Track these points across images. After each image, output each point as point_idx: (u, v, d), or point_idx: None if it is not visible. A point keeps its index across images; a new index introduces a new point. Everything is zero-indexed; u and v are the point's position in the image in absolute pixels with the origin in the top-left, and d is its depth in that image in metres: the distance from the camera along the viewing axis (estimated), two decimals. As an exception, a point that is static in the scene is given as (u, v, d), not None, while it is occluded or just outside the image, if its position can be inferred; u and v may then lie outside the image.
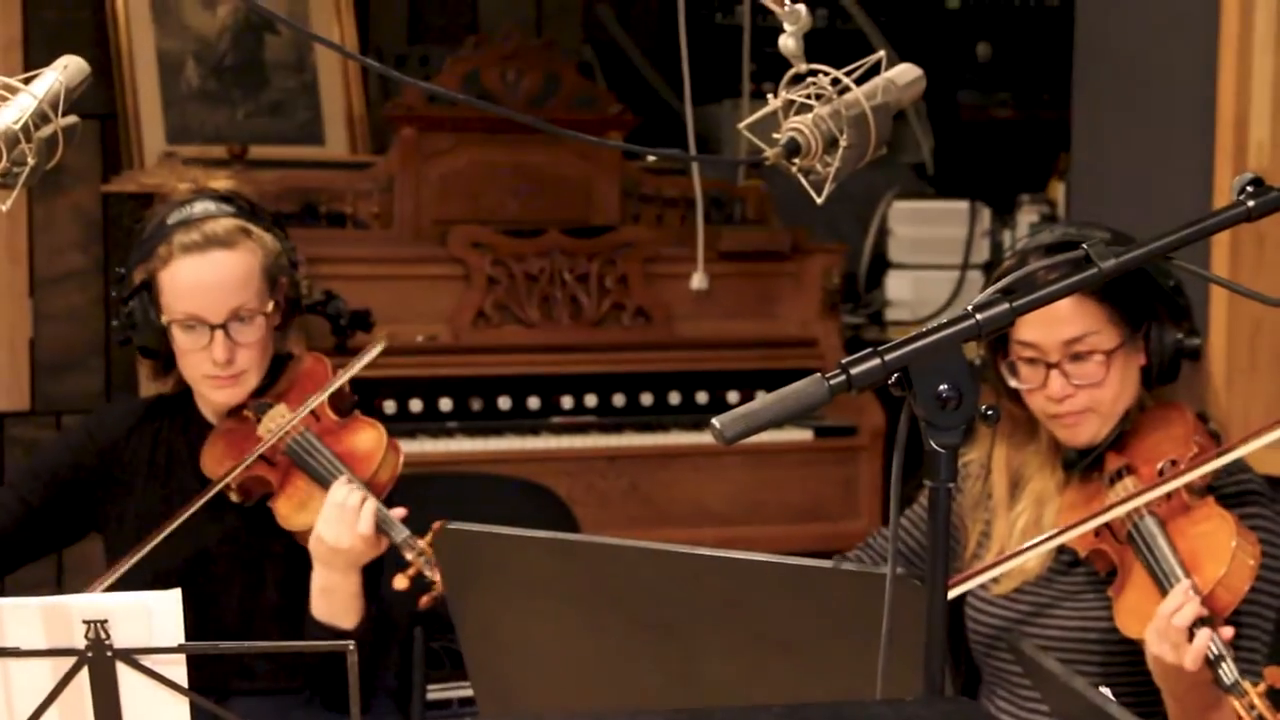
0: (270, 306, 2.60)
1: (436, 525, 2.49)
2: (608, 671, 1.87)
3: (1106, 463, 2.41)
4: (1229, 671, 2.15)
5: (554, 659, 1.92)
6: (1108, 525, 2.35)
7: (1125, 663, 2.34)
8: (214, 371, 2.59)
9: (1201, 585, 2.23)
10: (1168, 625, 2.19)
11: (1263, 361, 3.56)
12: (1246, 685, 2.13)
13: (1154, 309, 2.38)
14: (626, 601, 1.83)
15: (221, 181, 2.73)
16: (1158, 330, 2.38)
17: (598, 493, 4.14)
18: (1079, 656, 2.39)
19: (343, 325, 2.81)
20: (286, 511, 2.59)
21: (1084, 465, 2.42)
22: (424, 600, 2.54)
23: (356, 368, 2.64)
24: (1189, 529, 2.30)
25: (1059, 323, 2.35)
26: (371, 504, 2.52)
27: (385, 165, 4.30)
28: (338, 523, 2.50)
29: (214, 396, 2.64)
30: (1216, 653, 2.16)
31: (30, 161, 2.04)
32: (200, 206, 2.60)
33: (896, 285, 4.95)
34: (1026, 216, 4.82)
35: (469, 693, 3.20)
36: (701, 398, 4.28)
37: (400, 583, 2.53)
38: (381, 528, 2.52)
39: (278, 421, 2.61)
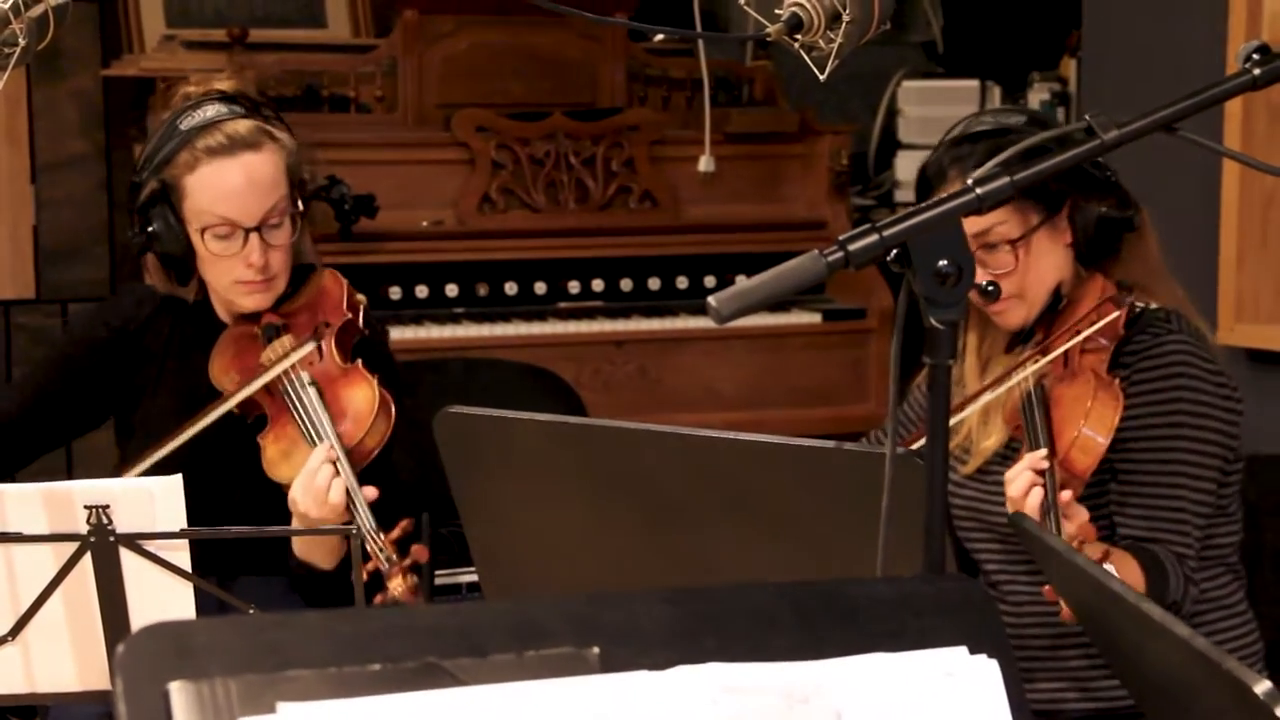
0: (300, 207, 2.55)
1: (405, 523, 2.35)
2: (611, 553, 1.87)
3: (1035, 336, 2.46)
4: (1052, 528, 2.18)
5: (557, 541, 1.92)
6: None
7: None
8: (248, 276, 2.52)
9: (1059, 450, 2.27)
10: (1007, 496, 2.23)
11: (1274, 237, 3.52)
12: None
13: (1069, 187, 2.37)
14: (629, 483, 1.83)
15: (225, 82, 2.64)
16: (1081, 207, 2.38)
17: (604, 378, 4.13)
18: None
19: (347, 210, 2.79)
20: (273, 457, 2.52)
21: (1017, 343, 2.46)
22: (377, 598, 2.34)
23: (361, 312, 2.58)
24: (1064, 395, 2.34)
25: (966, 219, 2.35)
26: (340, 484, 2.41)
27: (388, 48, 4.25)
28: (306, 492, 2.42)
29: (244, 303, 2.58)
30: (1047, 506, 2.19)
31: (22, 41, 2.02)
32: (212, 109, 2.53)
33: (906, 166, 4.90)
34: (1037, 95, 4.76)
35: (477, 578, 3.21)
36: (709, 281, 4.25)
37: (360, 574, 2.32)
38: (349, 508, 2.41)
39: (278, 352, 2.54)
